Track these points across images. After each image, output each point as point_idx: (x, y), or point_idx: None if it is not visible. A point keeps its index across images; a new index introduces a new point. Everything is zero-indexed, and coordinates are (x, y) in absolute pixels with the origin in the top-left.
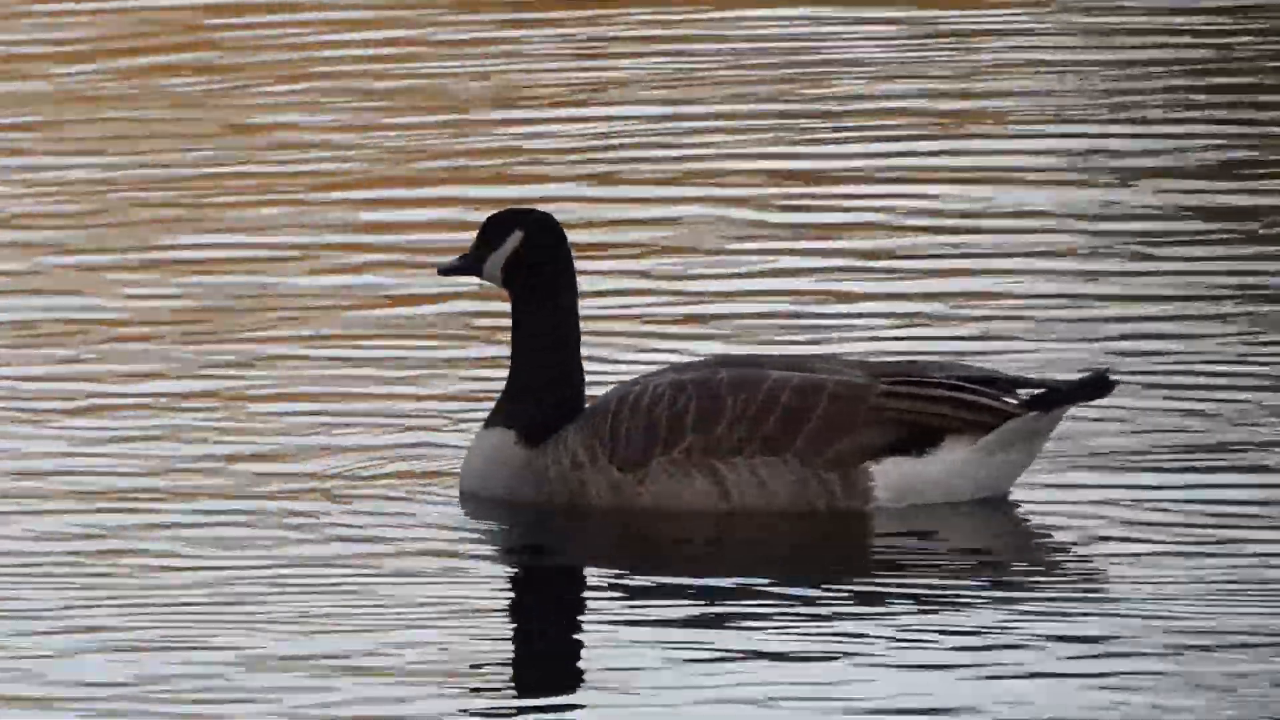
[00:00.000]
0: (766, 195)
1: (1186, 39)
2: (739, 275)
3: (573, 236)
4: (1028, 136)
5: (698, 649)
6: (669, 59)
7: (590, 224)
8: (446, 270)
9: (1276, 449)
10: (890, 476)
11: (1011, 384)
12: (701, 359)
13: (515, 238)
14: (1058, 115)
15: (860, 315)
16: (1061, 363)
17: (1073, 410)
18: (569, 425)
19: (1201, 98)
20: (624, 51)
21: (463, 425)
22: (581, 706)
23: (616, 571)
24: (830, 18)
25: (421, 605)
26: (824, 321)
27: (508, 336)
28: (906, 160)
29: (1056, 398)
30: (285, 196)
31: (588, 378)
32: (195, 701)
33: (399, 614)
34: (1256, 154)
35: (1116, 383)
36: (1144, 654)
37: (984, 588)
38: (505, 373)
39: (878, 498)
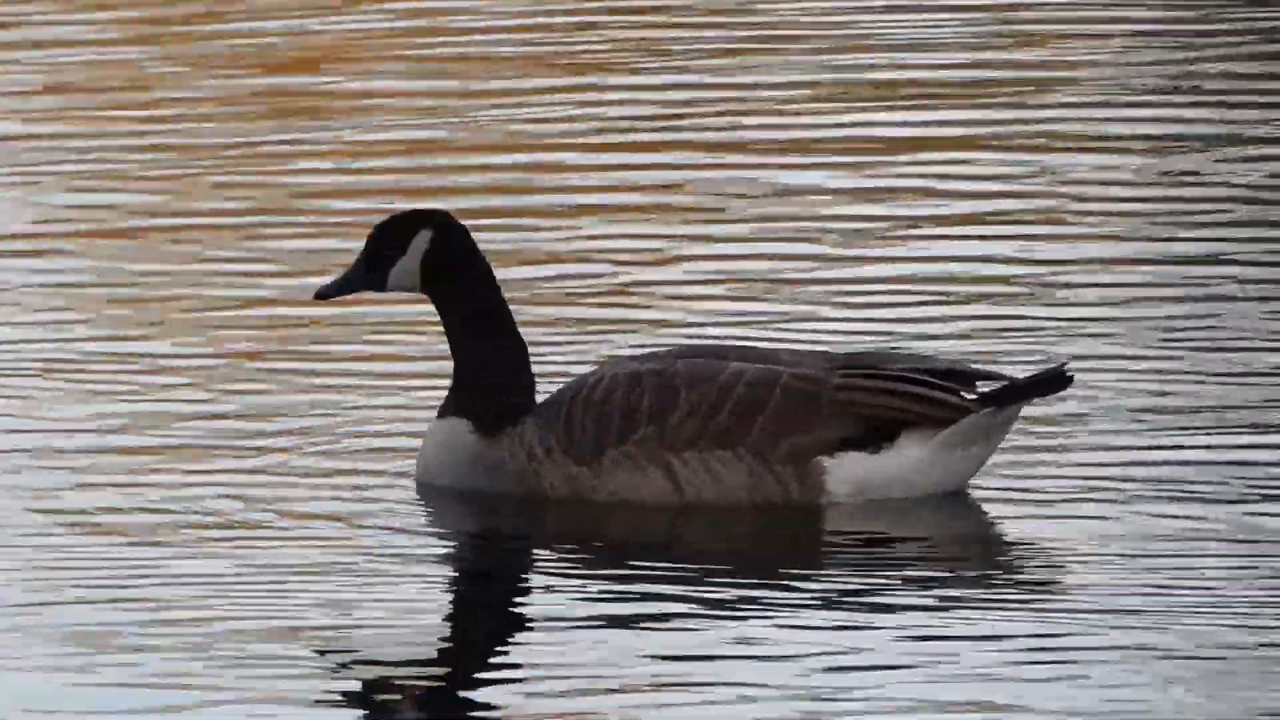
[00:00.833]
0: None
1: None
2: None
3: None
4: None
5: (647, 641)
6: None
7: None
8: (329, 293)
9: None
10: (846, 471)
11: (972, 377)
12: (665, 349)
13: (423, 238)
14: (1126, 85)
15: (893, 281)
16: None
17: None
18: (526, 417)
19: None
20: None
21: (422, 413)
22: (527, 696)
23: (567, 563)
24: None
25: (373, 599)
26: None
27: None
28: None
29: (1013, 394)
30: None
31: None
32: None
33: (342, 606)
34: None
35: (1072, 378)
36: (1101, 649)
37: (937, 584)
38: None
39: (833, 492)
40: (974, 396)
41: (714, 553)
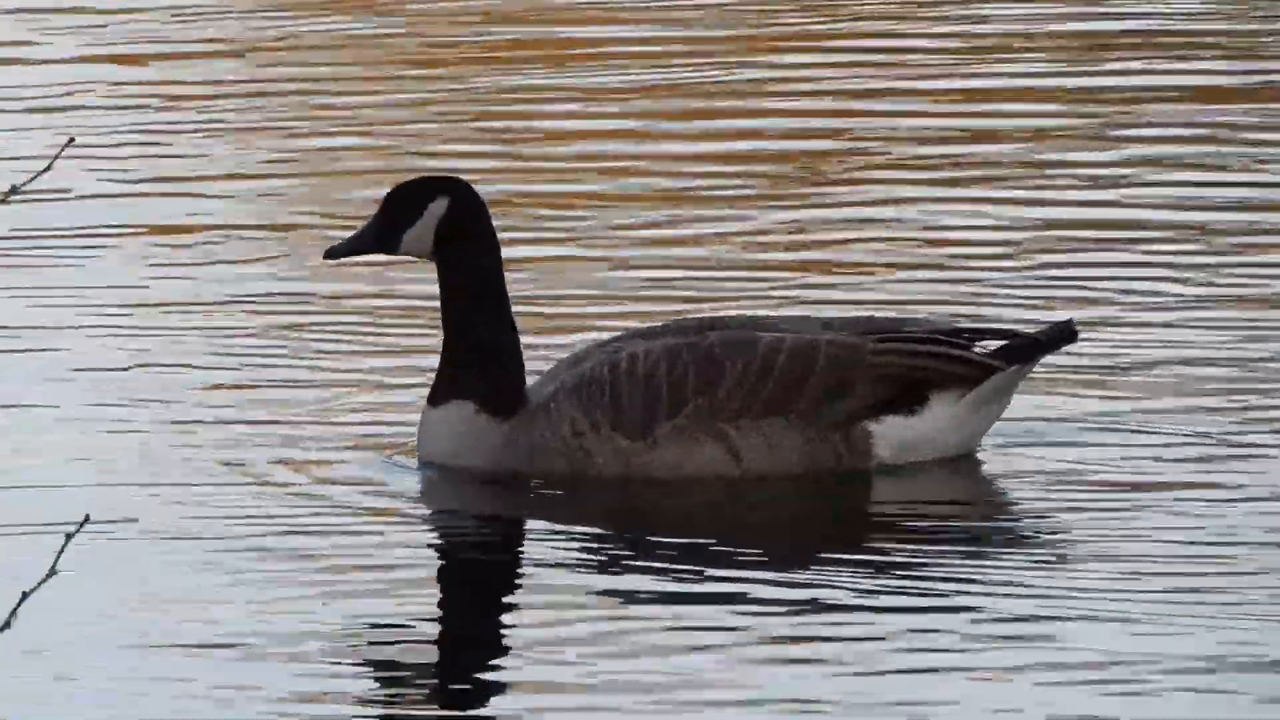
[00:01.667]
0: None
1: None
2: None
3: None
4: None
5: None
6: None
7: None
8: (339, 253)
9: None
10: (889, 434)
11: (976, 335)
12: (663, 325)
13: (440, 205)
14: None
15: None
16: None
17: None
18: (549, 392)
19: None
20: None
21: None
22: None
23: (613, 540)
24: None
25: (419, 583)
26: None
27: None
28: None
29: (1032, 348)
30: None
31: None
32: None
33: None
34: None
35: (1079, 331)
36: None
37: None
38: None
39: (878, 456)
40: (989, 355)
41: (764, 523)
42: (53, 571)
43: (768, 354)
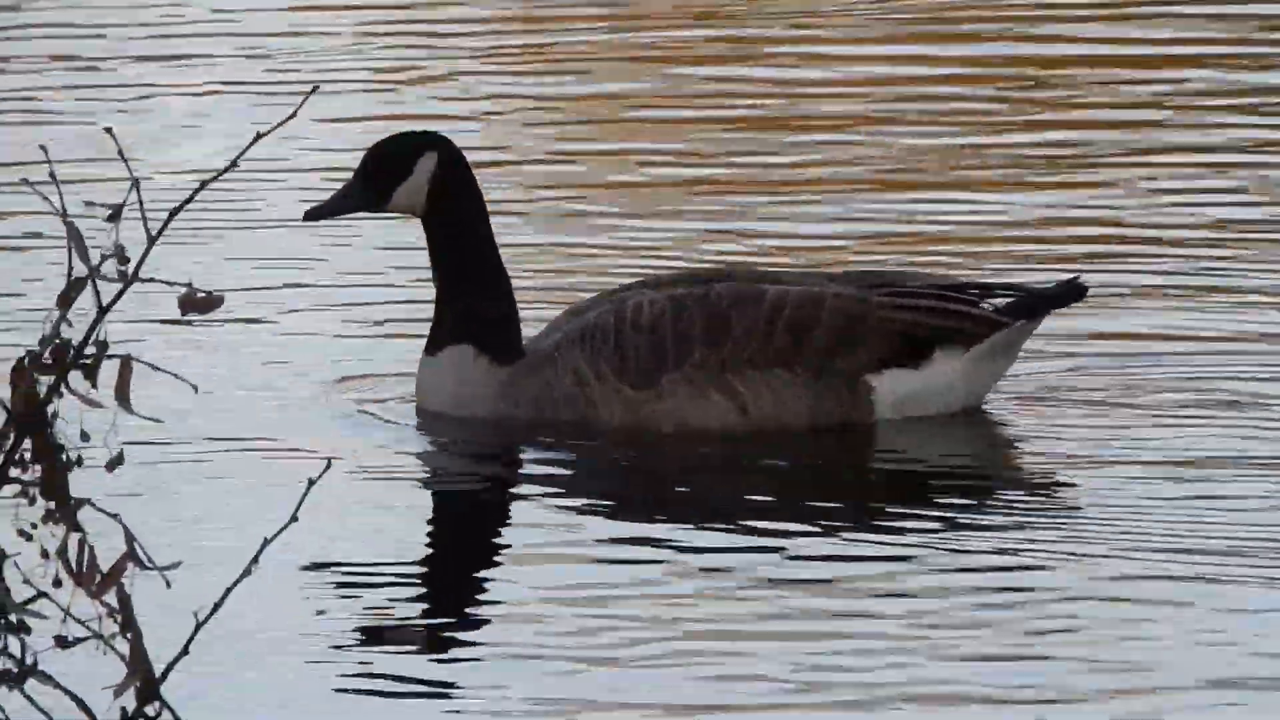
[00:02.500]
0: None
1: None
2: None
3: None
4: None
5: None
6: None
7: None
8: (320, 214)
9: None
10: (892, 388)
11: (984, 291)
12: (669, 276)
13: (430, 159)
14: None
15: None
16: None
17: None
18: (551, 342)
19: None
20: None
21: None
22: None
23: (615, 492)
24: None
25: (417, 533)
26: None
27: None
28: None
29: (1039, 304)
30: None
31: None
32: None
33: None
34: None
35: (1088, 288)
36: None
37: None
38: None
39: (881, 409)
40: (995, 310)
41: (768, 475)
42: (294, 518)
43: (774, 306)
